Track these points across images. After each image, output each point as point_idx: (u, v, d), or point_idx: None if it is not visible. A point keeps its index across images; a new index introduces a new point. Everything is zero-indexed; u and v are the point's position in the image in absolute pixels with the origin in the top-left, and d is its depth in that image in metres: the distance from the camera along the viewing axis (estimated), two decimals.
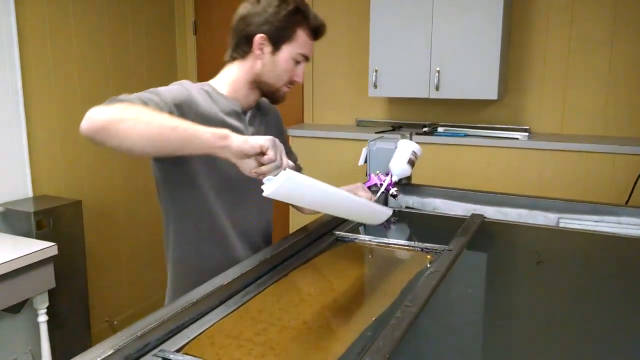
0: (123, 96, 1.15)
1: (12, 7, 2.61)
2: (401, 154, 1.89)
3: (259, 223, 1.50)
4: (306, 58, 1.40)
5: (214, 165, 1.32)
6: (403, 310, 1.08)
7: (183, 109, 1.24)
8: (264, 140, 1.10)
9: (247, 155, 1.10)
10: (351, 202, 1.28)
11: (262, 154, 1.09)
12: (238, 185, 1.38)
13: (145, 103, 1.15)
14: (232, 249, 1.40)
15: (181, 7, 3.83)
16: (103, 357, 0.85)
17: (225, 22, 4.21)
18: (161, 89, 1.26)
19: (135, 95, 1.17)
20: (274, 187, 1.07)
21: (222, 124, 1.32)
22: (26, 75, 2.73)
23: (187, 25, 3.86)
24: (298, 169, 1.66)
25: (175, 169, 1.31)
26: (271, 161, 1.09)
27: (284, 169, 1.09)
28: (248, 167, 1.12)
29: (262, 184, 1.11)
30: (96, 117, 1.07)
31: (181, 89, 1.29)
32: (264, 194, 1.08)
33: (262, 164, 1.10)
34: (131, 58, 3.41)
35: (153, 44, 3.60)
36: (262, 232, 1.51)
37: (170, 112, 1.19)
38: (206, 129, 1.09)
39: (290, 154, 1.64)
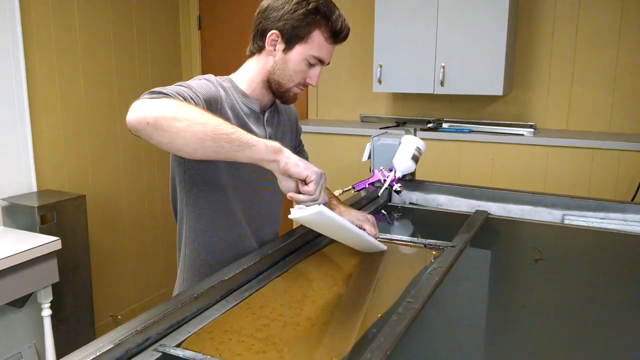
0: (161, 89, 1.12)
1: (16, 3, 2.60)
2: (405, 150, 1.89)
3: (271, 221, 1.49)
4: (321, 61, 1.34)
5: (236, 164, 1.31)
6: (405, 306, 1.08)
7: (211, 106, 1.23)
8: (311, 172, 1.11)
9: (291, 177, 1.11)
10: (357, 237, 1.34)
11: (305, 182, 1.11)
12: (255, 185, 1.38)
13: (184, 99, 1.13)
14: (246, 247, 1.40)
15: (185, 3, 3.83)
16: (103, 351, 0.85)
17: (229, 17, 4.19)
18: (192, 83, 1.24)
19: (172, 89, 1.14)
20: (301, 214, 1.10)
21: (242, 125, 1.31)
22: (30, 70, 2.73)
23: (191, 20, 3.86)
24: None
25: (200, 167, 1.30)
26: (309, 194, 1.11)
27: (318, 204, 1.12)
28: (286, 186, 1.14)
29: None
30: (147, 111, 1.04)
31: (210, 85, 1.27)
32: (289, 217, 1.11)
33: (300, 192, 1.12)
34: (136, 53, 3.41)
35: (157, 39, 3.59)
36: (273, 230, 1.51)
37: (203, 109, 1.18)
38: (259, 139, 1.09)
39: (302, 153, 1.63)
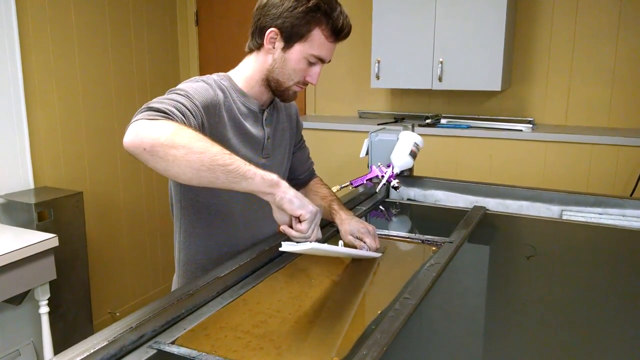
0: (159, 103, 1.09)
1: None
2: (403, 146, 1.88)
3: (268, 222, 1.47)
4: (321, 60, 1.30)
5: None
6: (402, 302, 1.07)
7: (209, 111, 1.21)
8: (305, 211, 1.10)
9: (285, 211, 1.10)
10: (352, 254, 1.34)
11: (298, 219, 1.11)
12: None
13: (182, 114, 1.10)
14: (243, 253, 1.38)
15: None
16: (97, 348, 0.85)
17: (227, 13, 4.17)
18: (189, 88, 1.20)
19: (170, 103, 1.11)
20: (292, 249, 1.09)
21: (239, 127, 1.30)
22: (27, 66, 2.72)
23: (189, 16, 3.84)
24: (309, 166, 1.64)
25: None
26: (302, 232, 1.11)
27: (310, 241, 1.11)
28: (280, 218, 1.13)
29: None
30: (144, 136, 1.01)
31: (208, 89, 1.24)
32: (280, 249, 1.10)
33: (292, 225, 1.12)
34: (133, 49, 3.39)
35: (155, 35, 3.57)
36: (271, 231, 1.49)
37: (201, 118, 1.17)
38: (256, 171, 1.06)
39: (303, 149, 1.61)
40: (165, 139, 1.00)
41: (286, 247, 1.08)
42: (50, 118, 2.87)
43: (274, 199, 1.08)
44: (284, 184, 1.10)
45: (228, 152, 1.05)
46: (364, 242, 1.38)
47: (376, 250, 1.39)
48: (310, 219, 1.10)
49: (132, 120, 1.04)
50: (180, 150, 1.00)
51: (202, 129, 1.17)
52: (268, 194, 1.08)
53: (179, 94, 1.16)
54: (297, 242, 1.11)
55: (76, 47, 3.00)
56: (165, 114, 1.06)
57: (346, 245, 1.34)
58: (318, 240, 1.14)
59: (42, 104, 2.83)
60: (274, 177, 1.08)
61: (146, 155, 1.01)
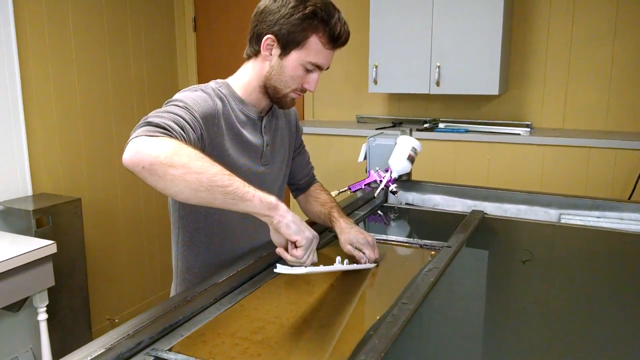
0: (158, 118, 1.08)
1: (10, 3, 2.59)
2: (401, 150, 1.88)
3: (268, 230, 1.47)
4: (319, 67, 1.29)
5: (233, 173, 1.29)
6: (400, 307, 1.07)
7: (208, 122, 1.21)
8: (301, 237, 1.10)
9: (281, 234, 1.11)
10: (346, 269, 1.34)
11: (295, 244, 1.11)
12: None
13: (182, 128, 1.09)
14: (241, 260, 1.38)
15: (181, 4, 3.82)
16: (94, 355, 0.84)
17: (225, 18, 4.17)
18: (188, 99, 1.19)
19: (169, 116, 1.10)
20: (286, 272, 1.09)
21: (237, 136, 1.30)
22: (25, 73, 2.72)
23: (187, 22, 3.85)
24: (309, 170, 1.63)
25: None
26: (297, 258, 1.11)
27: (305, 266, 1.12)
28: (277, 240, 1.14)
29: None
30: (143, 154, 1.00)
31: (207, 99, 1.23)
32: (275, 271, 1.10)
33: (287, 248, 1.13)
34: (131, 55, 3.40)
35: (153, 41, 3.58)
36: (269, 242, 1.49)
37: (200, 130, 1.17)
38: (255, 192, 1.06)
39: (303, 154, 1.61)
40: (165, 158, 0.99)
41: (281, 269, 1.08)
42: (48, 124, 2.88)
43: (272, 221, 1.09)
44: (283, 207, 1.10)
45: (227, 172, 1.04)
46: (363, 253, 1.37)
47: (373, 261, 1.38)
48: (306, 246, 1.11)
49: (131, 137, 1.03)
50: (179, 170, 0.99)
51: (201, 140, 1.17)
52: (266, 216, 1.09)
53: (178, 106, 1.15)
54: (292, 266, 1.11)
55: (74, 53, 3.00)
56: (165, 130, 1.05)
57: (344, 257, 1.34)
58: (313, 264, 1.14)
59: (40, 110, 2.83)
60: (272, 199, 1.08)
61: (145, 174, 1.01)
